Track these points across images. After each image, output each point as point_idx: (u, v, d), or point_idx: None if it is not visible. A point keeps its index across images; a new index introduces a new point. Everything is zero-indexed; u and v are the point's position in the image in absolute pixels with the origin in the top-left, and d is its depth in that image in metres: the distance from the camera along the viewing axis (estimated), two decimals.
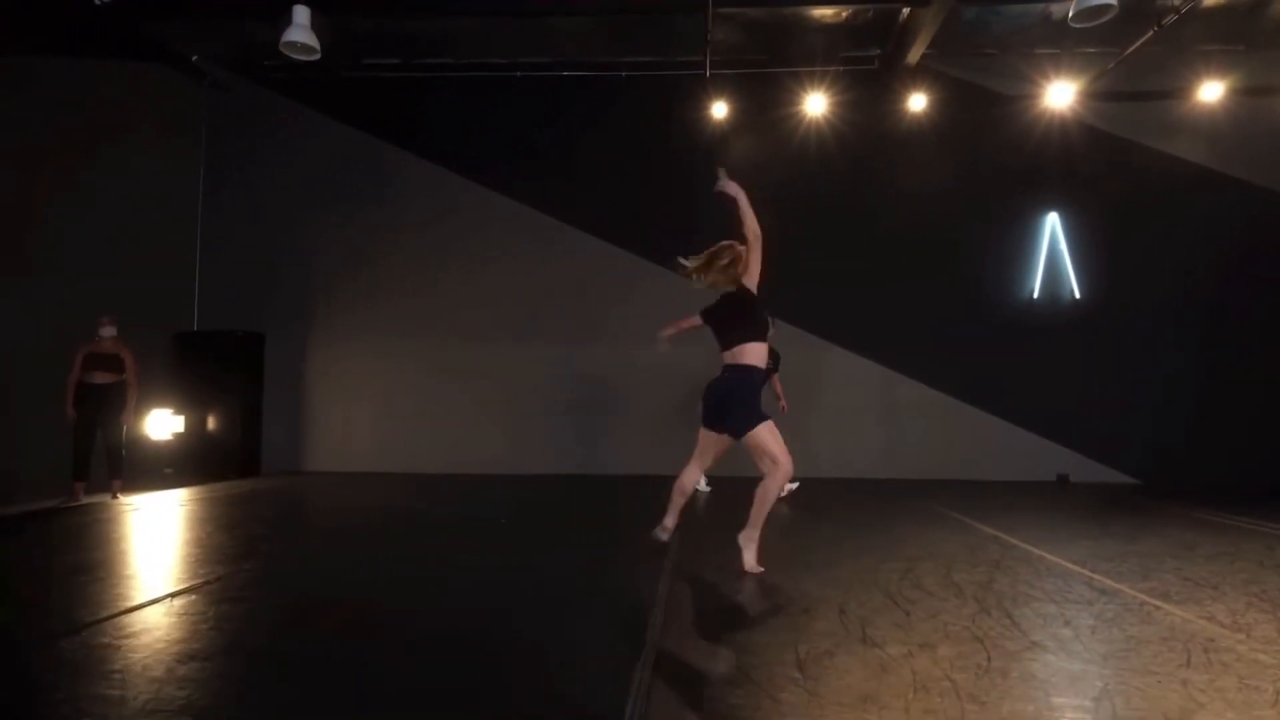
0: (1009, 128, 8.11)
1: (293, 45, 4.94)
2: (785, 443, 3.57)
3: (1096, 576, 3.57)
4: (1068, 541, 4.50)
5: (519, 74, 8.59)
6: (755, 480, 3.67)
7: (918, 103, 8.01)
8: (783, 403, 6.55)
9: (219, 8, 7.31)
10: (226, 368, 8.21)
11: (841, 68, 8.19)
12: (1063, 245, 8.17)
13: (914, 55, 7.72)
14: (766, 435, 3.52)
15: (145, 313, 7.72)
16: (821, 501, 6.29)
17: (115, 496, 6.20)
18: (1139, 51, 7.17)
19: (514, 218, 8.63)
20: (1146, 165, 8.06)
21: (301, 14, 4.82)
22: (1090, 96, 7.98)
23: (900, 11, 7.39)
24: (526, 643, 2.63)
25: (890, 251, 8.16)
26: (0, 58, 7.34)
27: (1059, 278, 8.18)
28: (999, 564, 3.85)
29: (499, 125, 8.66)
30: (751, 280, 3.71)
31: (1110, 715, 1.98)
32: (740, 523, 3.72)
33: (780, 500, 6.30)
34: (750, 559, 3.63)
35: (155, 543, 4.47)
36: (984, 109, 8.19)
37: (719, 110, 8.14)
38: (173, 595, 3.13)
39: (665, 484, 7.45)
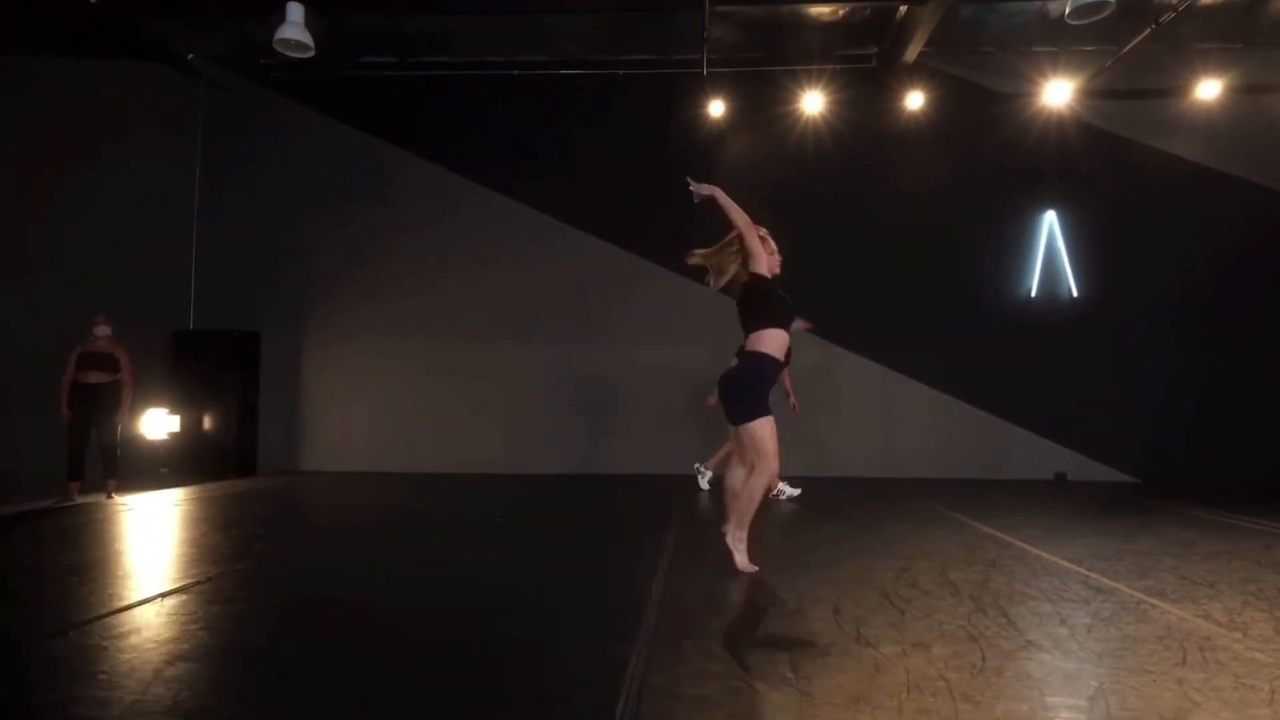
0: (1006, 126, 8.09)
1: (286, 43, 4.92)
2: (786, 442, 3.57)
3: (1093, 575, 3.56)
4: (1065, 540, 4.49)
5: (516, 72, 8.57)
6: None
7: (915, 101, 7.99)
8: (793, 400, 6.52)
9: (214, 6, 7.28)
10: (223, 367, 8.18)
11: (839, 66, 8.17)
12: (1060, 243, 8.15)
13: (911, 53, 7.70)
14: (762, 431, 3.49)
15: (141, 312, 7.70)
16: (820, 501, 6.27)
17: (110, 496, 6.18)
18: (1136, 49, 7.14)
19: (512, 217, 8.61)
20: (1144, 163, 8.05)
21: (295, 11, 4.80)
22: (1088, 94, 7.96)
23: (897, 9, 7.37)
24: (519, 642, 2.61)
25: (887, 250, 8.14)
26: None
27: (1056, 276, 8.17)
28: (995, 563, 3.84)
29: (496, 124, 8.64)
30: (759, 266, 3.64)
31: (1105, 714, 1.97)
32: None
33: (774, 499, 6.29)
34: (741, 559, 3.61)
35: (148, 542, 4.45)
36: (981, 107, 8.17)
37: (716, 109, 8.12)
38: (164, 595, 3.11)
39: (665, 483, 7.54)
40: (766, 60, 8.25)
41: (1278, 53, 7.83)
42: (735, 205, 3.63)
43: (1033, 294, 8.18)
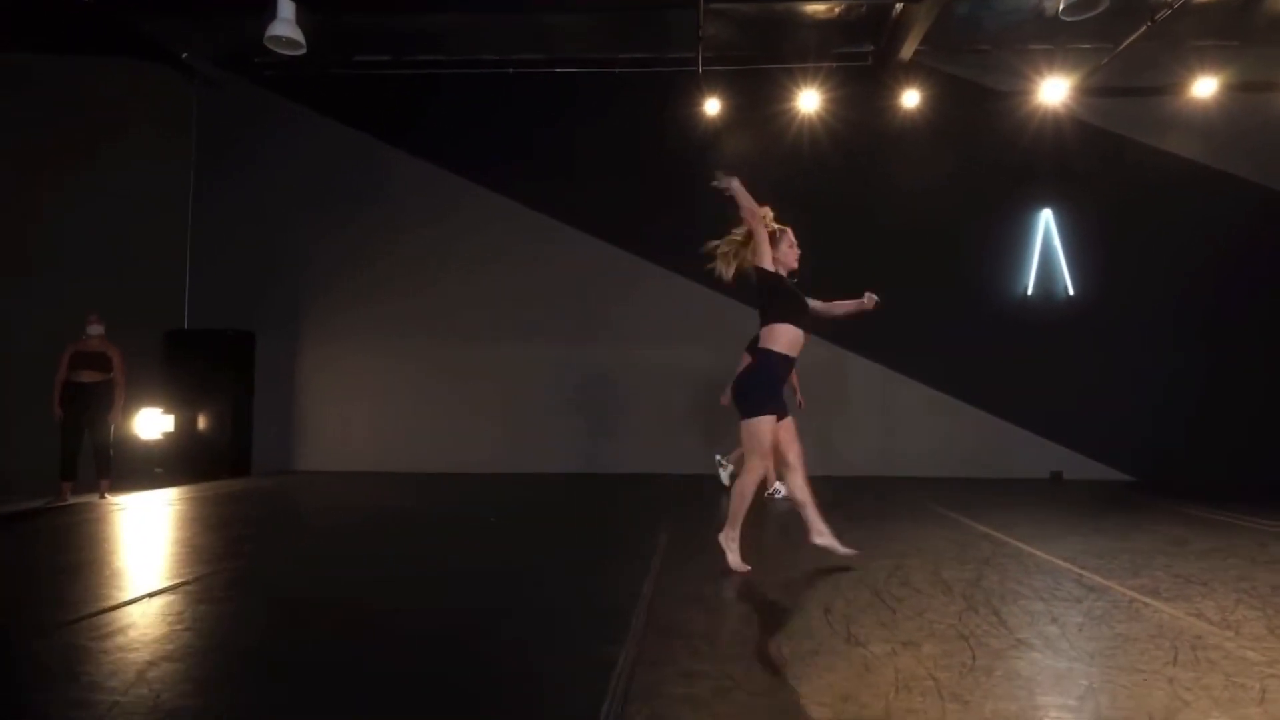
0: (1002, 124, 8.08)
1: (277, 40, 4.90)
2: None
3: (1086, 573, 3.54)
4: (1059, 538, 4.47)
5: (511, 70, 8.55)
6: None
7: (911, 99, 7.97)
8: (799, 398, 6.51)
9: (208, 5, 7.26)
10: (217, 367, 8.15)
11: (835, 64, 8.15)
12: (1056, 242, 8.14)
13: (907, 51, 7.69)
14: (759, 429, 3.48)
15: (136, 312, 7.68)
16: (817, 500, 6.24)
17: (103, 496, 6.15)
18: (1132, 47, 7.13)
19: (508, 215, 8.58)
20: (1140, 161, 8.04)
21: (286, 8, 4.78)
22: (1084, 92, 7.95)
23: (893, 7, 7.35)
24: (507, 642, 2.60)
25: (884, 248, 8.11)
26: None
27: (1053, 274, 8.15)
28: (989, 561, 3.82)
29: (492, 123, 8.61)
30: (761, 259, 3.59)
31: (1094, 714, 1.95)
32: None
33: (769, 497, 6.27)
34: (733, 559, 3.60)
35: (139, 542, 4.43)
36: (977, 105, 8.15)
37: (712, 107, 8.10)
38: (150, 595, 3.09)
39: (664, 483, 7.52)
40: (762, 58, 8.23)
41: (1274, 50, 7.82)
42: (746, 195, 3.59)
43: (1029, 293, 8.17)
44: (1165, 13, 6.50)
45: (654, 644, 2.50)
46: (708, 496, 6.49)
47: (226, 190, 8.76)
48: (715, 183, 3.65)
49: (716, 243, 3.80)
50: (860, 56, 8.27)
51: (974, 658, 2.35)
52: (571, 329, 8.49)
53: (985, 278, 8.21)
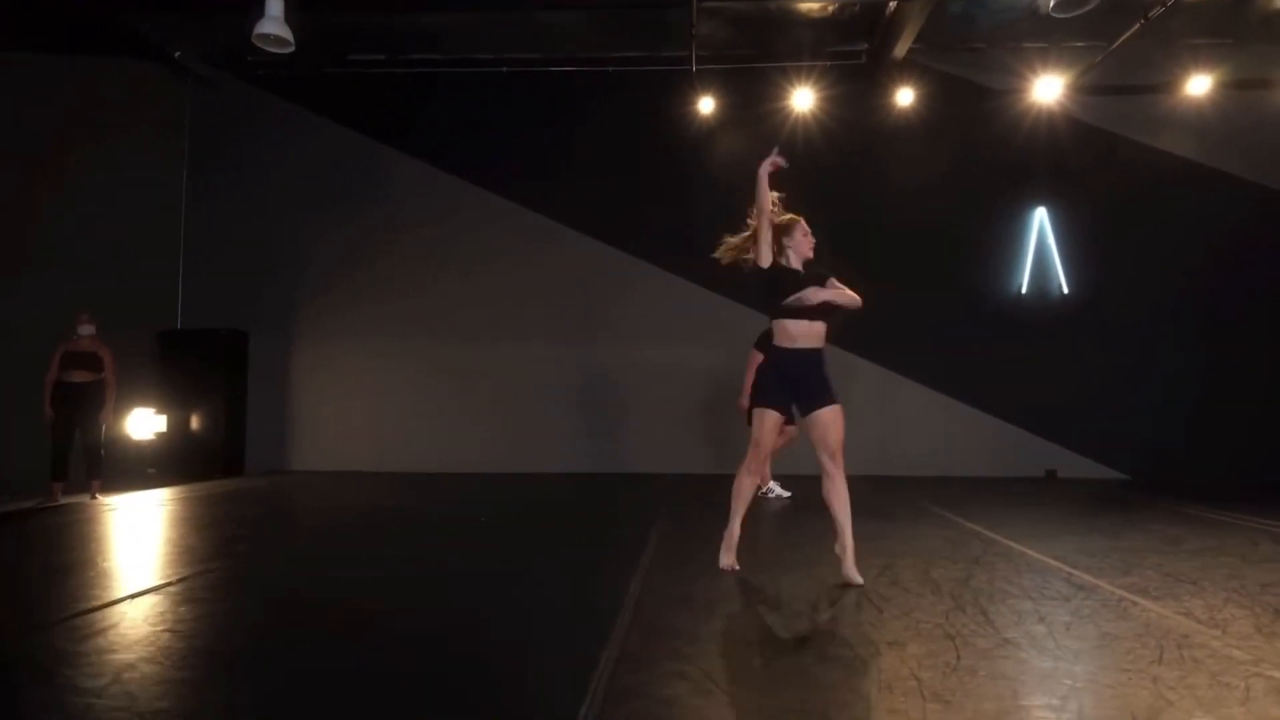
0: (997, 122, 8.06)
1: (266, 38, 4.88)
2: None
3: (1076, 572, 3.53)
4: (1051, 537, 4.46)
5: (506, 70, 8.53)
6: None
7: (905, 97, 7.96)
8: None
9: (199, 3, 7.23)
10: (210, 367, 8.14)
11: (829, 62, 8.14)
12: (1051, 240, 8.13)
13: (901, 49, 7.67)
14: (756, 422, 3.48)
15: (128, 311, 7.66)
16: (811, 498, 6.23)
17: (94, 497, 6.13)
18: (1126, 45, 7.13)
19: (503, 215, 8.57)
20: (1134, 159, 8.03)
21: (274, 6, 4.76)
22: (1078, 90, 7.94)
23: (887, 5, 7.34)
24: (491, 642, 2.58)
25: (878, 247, 8.08)
26: None
27: (1047, 273, 8.14)
28: (979, 560, 3.81)
29: (486, 122, 8.60)
30: (759, 258, 3.53)
31: (1077, 714, 1.94)
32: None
33: (762, 495, 6.26)
34: (723, 557, 3.58)
35: (127, 543, 4.41)
36: (972, 103, 8.14)
37: (706, 105, 8.08)
38: (133, 596, 3.07)
39: (662, 483, 7.50)
40: (756, 57, 8.22)
41: (1267, 47, 7.81)
42: (763, 188, 3.54)
43: (1023, 291, 8.16)
44: (1158, 10, 6.50)
45: (638, 644, 2.49)
46: (703, 497, 6.47)
47: (220, 190, 8.74)
48: (772, 156, 3.57)
49: (734, 238, 3.75)
50: (854, 55, 8.26)
51: (959, 657, 2.34)
52: (568, 328, 8.47)
53: (980, 276, 8.21)
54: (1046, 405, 7.98)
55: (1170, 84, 7.85)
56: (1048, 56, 7.86)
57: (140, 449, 8.00)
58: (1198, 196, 7.91)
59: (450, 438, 8.44)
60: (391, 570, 3.80)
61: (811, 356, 3.45)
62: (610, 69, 8.35)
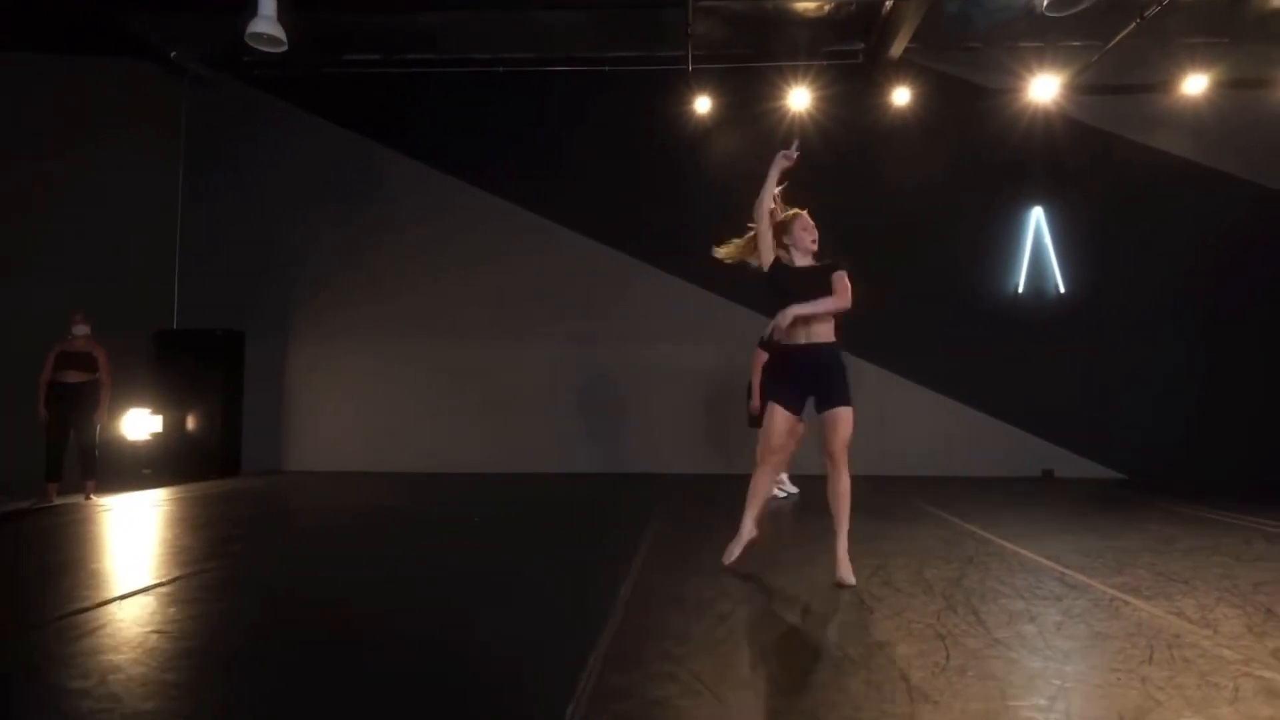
0: (993, 121, 8.06)
1: (258, 37, 4.87)
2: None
3: (1069, 572, 3.52)
4: (1046, 537, 4.46)
5: (502, 69, 8.51)
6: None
7: (901, 97, 7.96)
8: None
9: (194, 3, 7.22)
10: (206, 367, 8.12)
11: (825, 62, 8.14)
12: (1047, 240, 8.13)
13: (897, 49, 7.66)
14: (765, 419, 3.51)
15: (124, 311, 7.65)
16: (809, 498, 6.24)
17: (88, 497, 6.12)
18: (1122, 44, 7.12)
19: (499, 214, 8.56)
20: (1131, 159, 8.02)
21: (267, 5, 4.75)
22: (1074, 90, 7.93)
23: (883, 4, 7.33)
24: (478, 644, 2.58)
25: (874, 247, 8.05)
26: None
27: (1044, 272, 8.14)
28: (972, 560, 3.81)
29: (482, 121, 8.59)
30: (761, 260, 3.56)
31: (1065, 714, 1.93)
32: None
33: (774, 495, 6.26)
34: (728, 550, 3.59)
35: (121, 544, 4.40)
36: (968, 103, 8.14)
37: (703, 105, 8.08)
38: (121, 598, 3.06)
39: (659, 483, 7.50)
40: (752, 56, 8.21)
41: (1264, 47, 7.80)
42: (768, 188, 3.53)
43: (1020, 290, 8.16)
44: (1154, 10, 6.49)
45: (627, 645, 2.48)
46: (700, 497, 6.47)
47: (216, 190, 8.73)
48: (790, 149, 3.55)
49: (738, 240, 3.73)
50: (850, 54, 8.25)
51: (948, 657, 2.33)
52: (564, 328, 8.46)
53: (976, 276, 8.19)
54: (1043, 405, 7.97)
55: (1166, 83, 7.84)
56: (1044, 56, 7.85)
57: (136, 449, 7.98)
58: (1194, 196, 7.90)
59: (447, 437, 8.43)
60: (384, 571, 3.79)
61: (816, 353, 3.44)
62: (606, 68, 8.34)
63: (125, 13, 7.37)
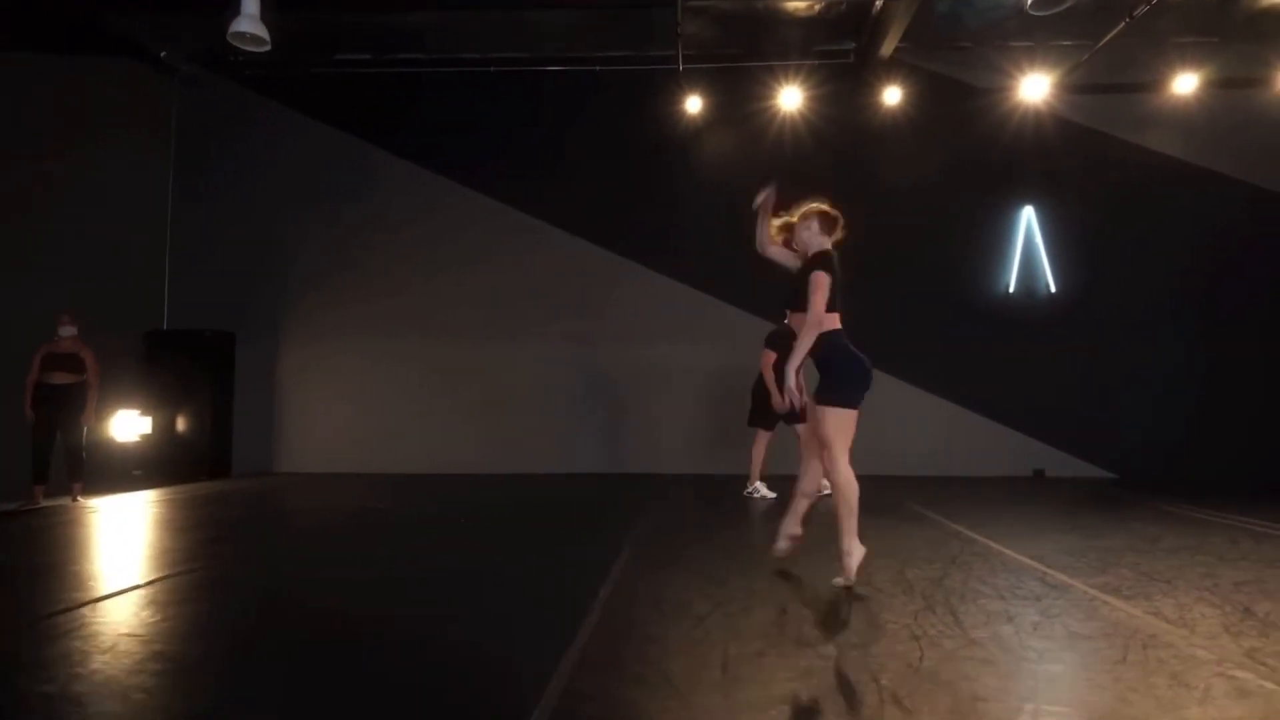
0: (983, 121, 8.05)
1: (241, 36, 4.85)
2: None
3: (1051, 571, 3.52)
4: (1031, 536, 4.45)
5: (493, 69, 8.50)
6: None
7: (892, 96, 7.95)
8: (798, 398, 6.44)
9: (182, 2, 7.20)
10: (197, 368, 8.10)
11: (816, 61, 8.13)
12: (1038, 239, 8.12)
13: (888, 48, 7.64)
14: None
15: (114, 312, 7.63)
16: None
17: (75, 499, 6.11)
18: (1112, 43, 7.12)
19: (490, 214, 8.54)
20: (1121, 158, 8.02)
21: (251, 3, 4.73)
22: (1065, 89, 7.93)
23: (873, 4, 7.32)
24: (454, 645, 2.57)
25: (865, 246, 7.96)
26: None
27: (1035, 272, 8.13)
28: (955, 560, 3.80)
29: (473, 121, 8.58)
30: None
31: (1033, 715, 1.93)
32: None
33: (748, 495, 6.25)
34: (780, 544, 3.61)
35: (105, 546, 4.39)
36: (959, 102, 8.13)
37: (693, 105, 8.07)
38: (96, 600, 3.05)
39: (651, 483, 7.48)
40: (743, 56, 8.20)
41: (1253, 47, 7.79)
42: (762, 221, 3.75)
43: (1011, 290, 8.15)
44: (1144, 9, 6.49)
45: (603, 646, 2.47)
46: (695, 496, 6.46)
47: (207, 190, 8.71)
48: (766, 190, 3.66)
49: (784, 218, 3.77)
50: (841, 54, 8.24)
51: (921, 658, 2.32)
52: (556, 328, 8.45)
53: (967, 275, 8.19)
54: (1034, 404, 7.97)
55: (1157, 82, 7.85)
56: (1034, 55, 7.85)
57: (126, 451, 7.96)
58: (1185, 195, 7.90)
59: (440, 438, 8.42)
60: (366, 572, 3.78)
61: (817, 346, 3.50)
62: (597, 68, 8.33)
63: (114, 12, 7.35)
